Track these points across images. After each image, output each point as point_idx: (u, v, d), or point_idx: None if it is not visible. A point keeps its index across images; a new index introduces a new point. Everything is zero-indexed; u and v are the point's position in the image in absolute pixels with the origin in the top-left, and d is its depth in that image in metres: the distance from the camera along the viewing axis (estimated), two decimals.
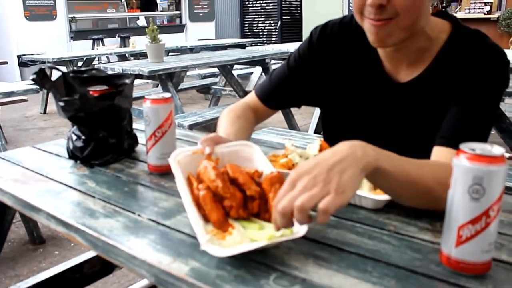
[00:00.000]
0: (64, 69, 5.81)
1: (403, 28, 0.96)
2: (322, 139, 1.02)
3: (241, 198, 0.76)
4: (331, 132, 1.26)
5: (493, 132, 3.16)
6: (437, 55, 1.05)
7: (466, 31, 1.05)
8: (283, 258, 0.72)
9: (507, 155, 3.38)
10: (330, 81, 1.17)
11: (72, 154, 1.22)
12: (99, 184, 1.07)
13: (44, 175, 1.14)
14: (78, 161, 1.21)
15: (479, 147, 0.67)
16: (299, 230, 0.72)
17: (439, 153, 0.97)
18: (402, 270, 0.69)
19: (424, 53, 1.05)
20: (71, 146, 1.22)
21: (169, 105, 1.08)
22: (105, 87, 1.23)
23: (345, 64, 1.15)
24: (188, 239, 0.79)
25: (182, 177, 0.80)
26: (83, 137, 1.20)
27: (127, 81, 1.20)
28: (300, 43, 1.24)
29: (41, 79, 1.17)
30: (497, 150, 0.67)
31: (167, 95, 1.10)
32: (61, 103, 1.16)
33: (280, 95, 1.25)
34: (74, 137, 1.21)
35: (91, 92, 1.19)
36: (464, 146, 0.67)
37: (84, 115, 1.16)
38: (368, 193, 0.89)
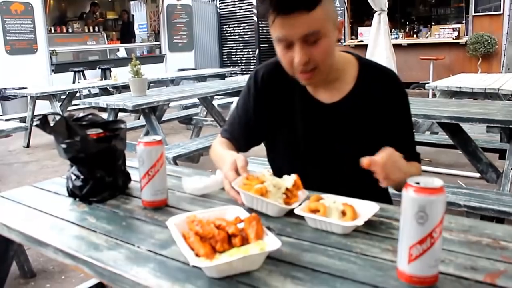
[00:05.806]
0: (47, 103, 5.89)
1: (324, 72, 1.31)
2: (297, 175, 1.16)
3: (224, 236, 0.92)
4: (276, 160, 1.52)
5: (459, 152, 3.37)
6: (356, 83, 1.39)
7: (368, 62, 1.44)
8: (266, 280, 0.85)
9: (477, 175, 3.55)
10: (269, 114, 1.45)
11: (72, 192, 1.33)
12: (99, 219, 1.19)
13: (47, 213, 1.25)
14: (77, 199, 1.32)
15: (423, 181, 0.82)
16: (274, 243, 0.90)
17: None
18: (366, 285, 0.83)
19: (340, 81, 1.39)
20: (70, 185, 1.33)
21: (161, 147, 1.22)
22: (100, 131, 1.36)
23: (278, 97, 1.44)
24: (184, 266, 0.91)
25: (178, 232, 0.96)
26: (82, 177, 1.32)
27: (122, 125, 1.33)
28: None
29: (43, 124, 1.30)
30: (438, 182, 0.82)
31: (158, 137, 1.23)
32: (63, 145, 1.28)
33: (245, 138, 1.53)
34: (73, 177, 1.33)
35: (90, 135, 1.31)
36: (411, 180, 0.82)
37: (84, 156, 1.29)
38: (338, 220, 1.03)
